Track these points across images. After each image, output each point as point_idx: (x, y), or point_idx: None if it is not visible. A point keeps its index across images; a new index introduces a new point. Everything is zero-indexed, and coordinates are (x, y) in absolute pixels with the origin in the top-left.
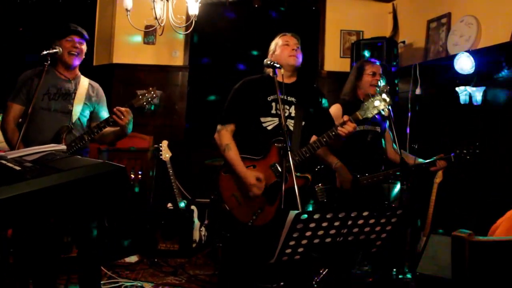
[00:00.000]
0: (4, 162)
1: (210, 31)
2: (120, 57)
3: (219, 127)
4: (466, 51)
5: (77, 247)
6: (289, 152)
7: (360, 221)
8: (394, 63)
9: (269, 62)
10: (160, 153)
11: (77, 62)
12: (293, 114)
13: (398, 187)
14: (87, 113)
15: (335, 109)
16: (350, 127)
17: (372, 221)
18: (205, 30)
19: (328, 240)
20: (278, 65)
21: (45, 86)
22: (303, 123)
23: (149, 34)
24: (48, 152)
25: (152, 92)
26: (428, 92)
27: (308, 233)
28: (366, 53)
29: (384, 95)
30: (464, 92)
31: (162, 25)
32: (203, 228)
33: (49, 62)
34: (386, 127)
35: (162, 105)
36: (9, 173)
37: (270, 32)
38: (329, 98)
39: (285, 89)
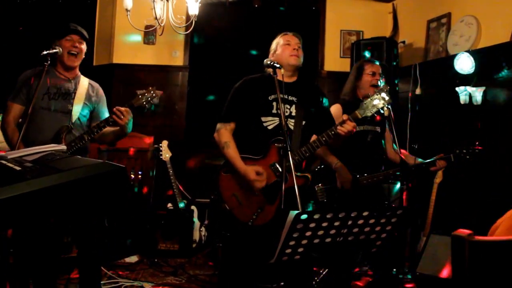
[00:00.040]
0: (4, 162)
1: (210, 31)
2: (120, 57)
3: (218, 125)
4: (466, 51)
5: (77, 247)
6: (289, 152)
7: (360, 221)
8: (394, 63)
9: (269, 62)
10: (160, 153)
11: (76, 62)
12: (293, 114)
13: (398, 186)
14: (87, 113)
15: (335, 109)
16: (349, 126)
17: (372, 221)
18: (205, 30)
19: (328, 240)
20: (278, 65)
21: (45, 86)
22: (304, 122)
23: (149, 34)
24: (48, 152)
25: (152, 92)
26: (428, 92)
27: (308, 233)
28: (367, 54)
29: (383, 94)
30: (464, 92)
31: (162, 25)
32: (203, 228)
33: (49, 62)
34: (386, 127)
35: (162, 105)
36: (9, 173)
37: (270, 32)
38: (329, 98)
39: (286, 88)
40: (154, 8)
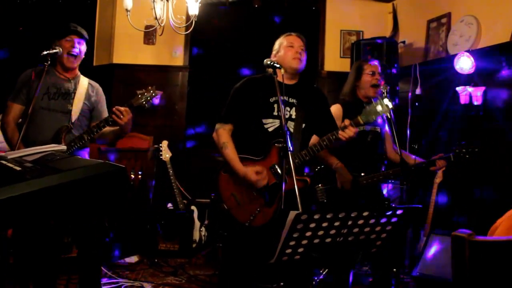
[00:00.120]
0: (4, 162)
1: (210, 31)
2: (120, 57)
3: (217, 126)
4: (466, 51)
5: (77, 247)
6: (289, 153)
7: (360, 221)
8: (394, 63)
9: (269, 62)
10: (160, 153)
11: (75, 63)
12: (293, 116)
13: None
14: (86, 112)
15: (335, 109)
16: (351, 131)
17: (372, 221)
18: (205, 30)
19: (328, 240)
20: (278, 65)
21: (45, 86)
22: (304, 125)
23: (149, 34)
24: (48, 152)
25: (151, 91)
26: (428, 92)
27: (308, 233)
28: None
29: (386, 101)
30: (464, 92)
31: (162, 25)
32: (203, 228)
33: (49, 62)
34: (386, 127)
35: (162, 105)
36: (9, 173)
37: (270, 32)
38: (329, 98)
39: (286, 90)
40: (154, 8)
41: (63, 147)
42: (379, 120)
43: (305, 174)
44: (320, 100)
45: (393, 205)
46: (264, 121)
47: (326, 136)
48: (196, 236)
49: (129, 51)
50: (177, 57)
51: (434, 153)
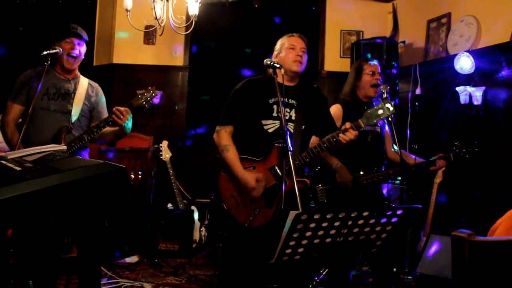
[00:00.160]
0: (4, 162)
1: (210, 31)
2: (120, 57)
3: (218, 127)
4: (466, 51)
5: (77, 248)
6: (289, 153)
7: (360, 221)
8: (394, 63)
9: (269, 63)
10: (160, 153)
11: (75, 65)
12: (293, 118)
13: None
14: (86, 113)
15: (335, 109)
16: (352, 134)
17: (372, 221)
18: (205, 30)
19: (328, 240)
20: (278, 65)
21: (44, 86)
22: (303, 126)
23: (149, 34)
24: (48, 153)
25: (151, 92)
26: (428, 92)
27: (308, 233)
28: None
29: (388, 104)
30: (464, 92)
31: (162, 25)
32: (203, 228)
33: (49, 62)
34: (386, 127)
35: (162, 105)
36: (9, 173)
37: (270, 32)
38: (329, 98)
39: (286, 91)
40: (154, 8)
41: (63, 147)
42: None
43: (305, 174)
44: (320, 100)
45: (393, 205)
46: (264, 122)
47: (327, 138)
48: (196, 236)
49: (129, 51)
50: (177, 57)
51: (434, 153)
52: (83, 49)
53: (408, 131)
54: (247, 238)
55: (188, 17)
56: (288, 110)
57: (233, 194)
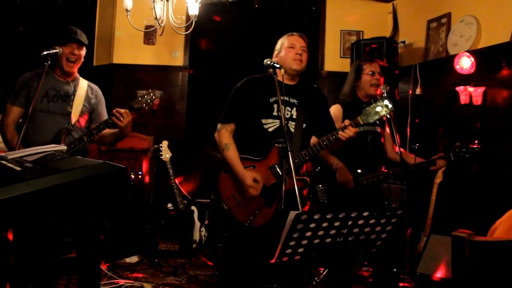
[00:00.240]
0: (4, 162)
1: (210, 31)
2: (120, 57)
3: (219, 126)
4: (466, 51)
5: (76, 248)
6: (289, 153)
7: (360, 221)
8: (394, 63)
9: (269, 63)
10: (160, 153)
11: (74, 68)
12: (294, 116)
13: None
14: (86, 115)
15: (335, 110)
16: (351, 131)
17: (372, 221)
18: (205, 30)
19: (328, 240)
20: (278, 65)
21: (44, 88)
22: (304, 125)
23: (149, 34)
24: (48, 153)
25: (152, 94)
26: (428, 92)
27: (308, 233)
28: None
29: (386, 102)
30: (464, 92)
31: (162, 25)
32: (203, 229)
33: (49, 62)
34: (386, 127)
35: (162, 105)
36: (10, 173)
37: (270, 32)
38: (329, 98)
39: (287, 90)
40: (154, 8)
41: (63, 147)
42: (379, 120)
43: (305, 173)
44: (320, 100)
45: (393, 205)
46: (264, 121)
47: (326, 136)
48: (196, 236)
49: (129, 51)
50: (177, 57)
51: (434, 153)
52: (83, 52)
53: (408, 131)
54: (247, 238)
55: (188, 17)
56: (289, 109)
57: (233, 194)
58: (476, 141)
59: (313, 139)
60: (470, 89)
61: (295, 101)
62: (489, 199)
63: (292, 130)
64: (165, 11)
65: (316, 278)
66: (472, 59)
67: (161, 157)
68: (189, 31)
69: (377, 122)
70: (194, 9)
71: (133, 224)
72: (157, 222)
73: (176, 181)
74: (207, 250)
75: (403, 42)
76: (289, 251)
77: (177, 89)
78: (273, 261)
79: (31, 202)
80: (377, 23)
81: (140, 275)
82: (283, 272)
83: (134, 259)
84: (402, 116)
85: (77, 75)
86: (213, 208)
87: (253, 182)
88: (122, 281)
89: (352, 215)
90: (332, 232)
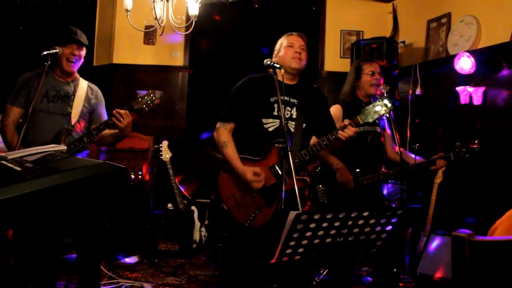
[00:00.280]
0: (4, 162)
1: (210, 31)
2: (120, 57)
3: (218, 124)
4: (466, 51)
5: (76, 248)
6: (289, 152)
7: (361, 221)
8: (394, 63)
9: (268, 63)
10: (160, 153)
11: (74, 68)
12: (294, 116)
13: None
14: (86, 115)
15: (335, 110)
16: (350, 131)
17: (372, 221)
18: (205, 31)
19: (328, 240)
20: (277, 65)
21: (44, 89)
22: (304, 125)
23: (149, 34)
24: (48, 153)
25: (152, 96)
26: (428, 92)
27: (309, 234)
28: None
29: (385, 101)
30: (464, 92)
31: (162, 25)
32: (203, 229)
33: (49, 62)
34: (386, 127)
35: (162, 105)
36: (10, 173)
37: (270, 32)
38: (329, 98)
39: (287, 90)
40: (154, 8)
41: (63, 147)
42: (379, 120)
43: (305, 173)
44: (320, 100)
45: (393, 205)
46: (264, 120)
47: (326, 136)
48: (196, 236)
49: (129, 51)
50: (177, 57)
51: (434, 153)
52: (83, 52)
53: (408, 131)
54: (247, 238)
55: (188, 17)
56: (289, 109)
57: (233, 194)
58: (476, 141)
59: (313, 139)
60: (470, 89)
61: (295, 101)
62: (489, 199)
63: (292, 130)
64: (165, 11)
65: (316, 278)
66: (472, 59)
67: (161, 157)
68: (189, 31)
69: (377, 122)
70: (194, 9)
71: (133, 224)
72: (157, 222)
73: (176, 181)
74: (207, 250)
75: (403, 42)
76: (289, 251)
77: (177, 89)
78: (273, 261)
79: (31, 202)
80: (377, 23)
81: (140, 275)
82: (283, 272)
83: (134, 259)
84: (402, 116)
85: (77, 75)
86: (213, 208)
87: (254, 176)
88: (122, 281)
89: (352, 215)
90: (332, 232)
